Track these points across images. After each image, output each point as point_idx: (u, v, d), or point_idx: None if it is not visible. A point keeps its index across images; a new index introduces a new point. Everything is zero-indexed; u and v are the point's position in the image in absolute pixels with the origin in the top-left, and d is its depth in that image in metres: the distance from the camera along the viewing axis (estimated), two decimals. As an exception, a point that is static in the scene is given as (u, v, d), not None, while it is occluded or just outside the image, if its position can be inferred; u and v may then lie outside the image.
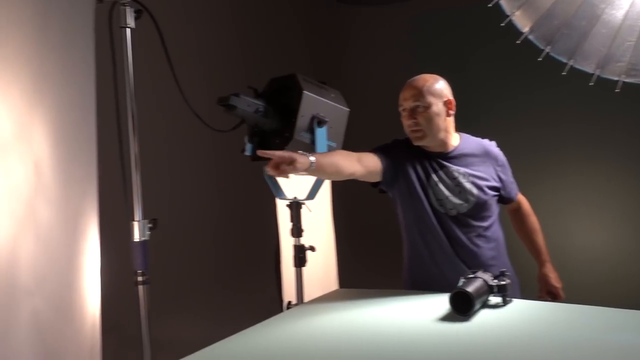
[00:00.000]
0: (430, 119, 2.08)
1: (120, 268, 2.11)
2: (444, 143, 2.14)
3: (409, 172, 2.10)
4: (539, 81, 3.32)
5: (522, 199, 2.33)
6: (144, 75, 2.13)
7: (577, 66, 2.25)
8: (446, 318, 1.67)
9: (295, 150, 2.02)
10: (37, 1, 1.87)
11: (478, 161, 2.16)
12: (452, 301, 1.67)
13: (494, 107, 3.66)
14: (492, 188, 2.14)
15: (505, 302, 1.76)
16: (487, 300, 1.75)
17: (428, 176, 2.10)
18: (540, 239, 2.32)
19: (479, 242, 2.09)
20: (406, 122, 2.12)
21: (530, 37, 2.32)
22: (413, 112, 2.09)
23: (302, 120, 2.05)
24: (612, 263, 3.47)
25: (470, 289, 1.66)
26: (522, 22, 2.34)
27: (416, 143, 2.13)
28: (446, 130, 2.13)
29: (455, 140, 2.17)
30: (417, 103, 2.08)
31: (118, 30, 2.03)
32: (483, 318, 1.67)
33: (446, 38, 3.85)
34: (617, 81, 2.15)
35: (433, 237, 2.08)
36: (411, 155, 2.13)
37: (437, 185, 2.09)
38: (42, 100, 1.87)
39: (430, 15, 3.91)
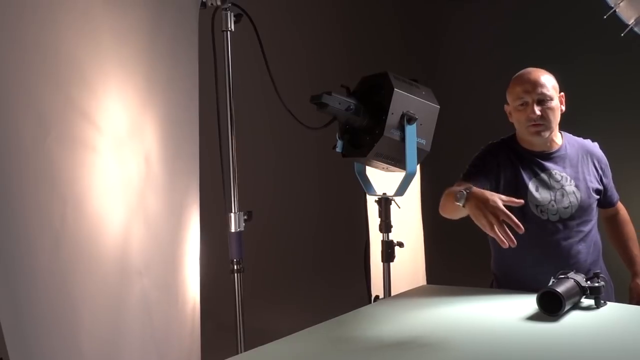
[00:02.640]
0: (553, 112, 2.00)
1: (218, 257, 2.25)
2: (551, 141, 2.06)
3: (506, 180, 2.03)
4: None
5: (620, 206, 2.22)
6: (243, 75, 2.26)
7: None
8: (533, 318, 1.64)
9: (385, 147, 2.06)
10: (149, 8, 2.05)
11: (581, 162, 2.07)
12: (540, 301, 1.64)
13: (594, 105, 3.48)
14: (595, 191, 2.06)
15: (598, 305, 1.70)
16: (578, 301, 1.70)
17: (529, 180, 2.02)
18: (636, 248, 2.20)
19: (580, 247, 2.01)
20: (526, 116, 2.00)
21: (636, 29, 2.21)
22: (538, 104, 1.98)
23: (392, 117, 2.08)
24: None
25: (561, 289, 1.62)
26: (627, 13, 2.24)
27: (535, 138, 2.03)
28: (557, 127, 2.06)
29: (559, 139, 2.09)
30: (542, 95, 1.99)
31: (219, 34, 2.16)
32: (573, 320, 1.63)
33: (544, 33, 3.72)
34: None
35: (531, 243, 1.96)
36: (509, 159, 2.06)
37: (537, 190, 2.00)
38: (152, 100, 2.05)
39: (527, 10, 3.79)
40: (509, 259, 2.07)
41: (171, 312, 2.06)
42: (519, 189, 2.00)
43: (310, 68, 3.39)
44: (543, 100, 1.99)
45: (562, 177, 2.03)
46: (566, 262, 1.94)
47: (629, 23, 2.20)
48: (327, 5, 3.66)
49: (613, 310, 1.71)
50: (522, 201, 1.73)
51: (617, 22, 2.18)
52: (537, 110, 1.98)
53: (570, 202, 2.00)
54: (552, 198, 2.00)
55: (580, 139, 2.15)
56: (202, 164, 2.25)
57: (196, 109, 2.23)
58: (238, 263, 2.14)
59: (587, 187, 2.04)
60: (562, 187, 2.01)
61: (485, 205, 1.61)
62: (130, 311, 1.90)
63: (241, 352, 2.07)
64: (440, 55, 4.18)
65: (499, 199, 1.62)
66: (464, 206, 1.69)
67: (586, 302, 1.73)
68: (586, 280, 1.71)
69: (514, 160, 2.06)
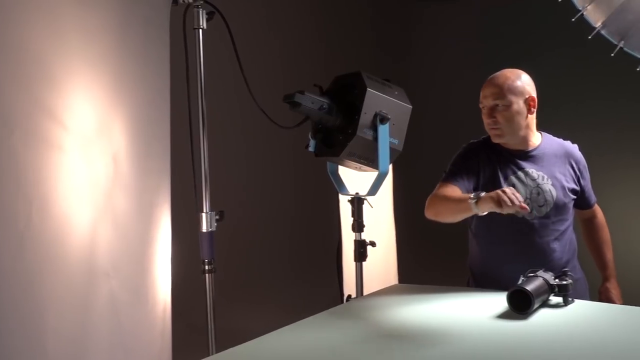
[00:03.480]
0: (509, 118, 2.03)
1: (190, 257, 2.23)
2: (525, 141, 2.09)
3: (485, 177, 2.07)
4: (610, 78, 3.20)
5: (597, 209, 2.25)
6: (215, 74, 2.24)
7: (653, 61, 2.17)
8: (503, 316, 1.66)
9: (357, 146, 2.06)
10: (118, 5, 2.01)
11: (559, 162, 2.10)
12: (510, 299, 1.66)
13: (562, 105, 3.54)
14: (571, 191, 2.09)
15: (566, 302, 1.73)
16: (547, 299, 1.73)
17: (505, 178, 2.06)
18: (609, 253, 2.24)
19: (555, 245, 2.04)
20: (485, 120, 2.08)
21: (603, 32, 2.25)
22: (492, 111, 2.04)
23: (365, 117, 2.09)
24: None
25: (530, 287, 1.65)
26: (595, 16, 2.27)
27: (495, 141, 2.09)
28: (527, 128, 2.07)
29: (537, 139, 2.12)
30: (497, 102, 2.03)
31: (191, 32, 2.14)
32: (541, 317, 1.66)
33: (513, 34, 3.77)
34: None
35: (507, 240, 2.05)
36: (488, 156, 2.09)
37: (514, 188, 2.02)
38: (121, 98, 2.01)
39: (498, 10, 3.84)
40: (486, 256, 2.11)
41: (141, 313, 2.03)
42: (496, 187, 2.01)
43: (283, 67, 3.37)
44: (497, 106, 2.03)
45: (538, 175, 2.06)
46: (541, 260, 1.96)
47: (596, 26, 2.24)
48: (301, 3, 3.66)
49: (580, 307, 1.74)
50: (528, 209, 1.78)
51: (585, 25, 2.22)
52: (491, 116, 2.04)
53: (545, 200, 2.03)
54: (528, 196, 2.03)
55: (560, 140, 2.17)
56: (173, 163, 2.22)
57: (167, 107, 2.20)
58: (209, 263, 2.13)
59: (563, 187, 2.06)
60: (538, 185, 2.04)
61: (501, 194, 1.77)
62: (97, 313, 1.87)
63: (212, 354, 2.05)
64: (412, 55, 4.20)
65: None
66: (477, 204, 1.83)
67: (554, 299, 1.76)
68: (554, 279, 1.74)
69: (493, 158, 2.09)
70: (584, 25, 2.19)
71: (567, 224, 2.09)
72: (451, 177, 2.08)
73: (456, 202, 1.95)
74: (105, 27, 1.97)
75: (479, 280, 2.15)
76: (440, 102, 4.00)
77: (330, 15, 3.83)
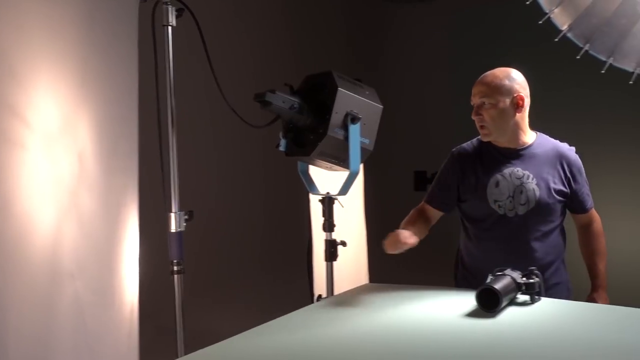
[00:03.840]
0: (495, 117, 2.03)
1: (158, 258, 2.19)
2: (515, 139, 2.09)
3: (470, 177, 2.10)
4: (576, 79, 3.27)
5: (595, 217, 2.19)
6: (185, 72, 2.21)
7: (616, 64, 2.21)
8: (472, 314, 1.68)
9: (328, 146, 2.06)
10: (84, 1, 1.97)
11: (549, 162, 2.08)
12: (479, 298, 1.68)
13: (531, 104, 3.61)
14: (558, 192, 2.07)
15: (533, 301, 1.76)
16: (514, 297, 1.75)
17: (491, 176, 2.07)
18: (602, 264, 2.17)
19: (536, 245, 2.04)
20: (473, 118, 2.09)
21: (569, 34, 2.30)
22: (479, 109, 2.05)
23: (336, 117, 2.08)
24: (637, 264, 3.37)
25: (498, 286, 1.67)
26: (561, 19, 2.31)
27: (483, 139, 2.11)
28: (516, 127, 2.07)
29: (529, 137, 2.11)
30: (483, 100, 2.04)
31: (160, 29, 2.10)
32: (509, 315, 1.68)
33: (483, 35, 3.82)
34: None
35: (490, 237, 2.07)
36: (477, 154, 2.12)
37: (497, 185, 2.06)
38: (87, 95, 1.97)
39: (468, 12, 3.89)
40: (474, 252, 2.14)
41: (107, 314, 1.99)
42: (480, 183, 2.07)
43: (254, 65, 3.35)
44: (484, 105, 2.05)
45: (524, 174, 2.06)
46: (520, 258, 1.95)
47: (563, 29, 2.28)
48: (272, 2, 3.64)
49: (546, 305, 1.77)
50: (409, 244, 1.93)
51: (552, 28, 2.26)
52: (478, 114, 2.06)
53: (528, 198, 2.03)
54: (510, 194, 2.04)
55: (555, 142, 2.15)
56: (142, 162, 2.18)
57: (135, 105, 2.16)
58: (178, 264, 2.10)
59: (549, 187, 2.05)
60: (522, 184, 2.05)
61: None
62: (62, 313, 1.82)
63: (181, 356, 2.03)
64: (383, 55, 4.23)
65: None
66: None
67: (522, 297, 1.78)
68: (522, 277, 1.76)
69: (481, 155, 2.12)
70: (553, 27, 2.23)
71: (553, 225, 2.08)
72: (428, 195, 2.22)
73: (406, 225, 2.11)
74: (71, 23, 1.92)
75: (465, 274, 2.18)
76: (412, 101, 4.03)
77: (301, 15, 3.82)
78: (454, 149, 2.21)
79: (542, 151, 2.10)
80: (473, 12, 3.85)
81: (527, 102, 2.07)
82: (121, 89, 2.12)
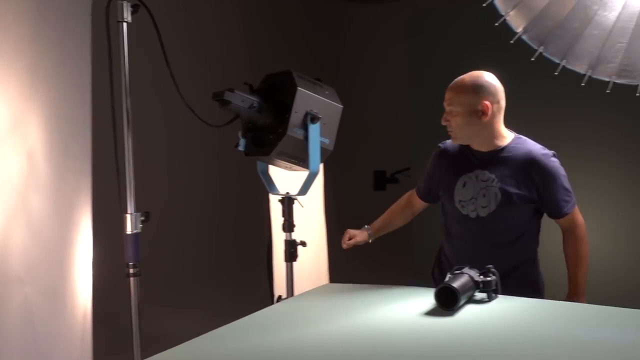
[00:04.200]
0: (460, 124, 2.06)
1: (113, 260, 2.13)
2: (486, 143, 2.10)
3: (444, 176, 2.18)
4: (531, 80, 3.34)
5: (577, 222, 2.14)
6: (141, 70, 2.16)
7: (569, 67, 2.27)
8: (431, 313, 1.69)
9: (288, 146, 2.05)
10: (34, -5, 1.90)
11: (517, 168, 2.07)
12: (438, 296, 1.70)
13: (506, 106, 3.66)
14: (521, 197, 2.05)
15: (490, 298, 1.79)
16: (472, 295, 1.78)
17: (459, 176, 2.12)
18: (581, 270, 2.14)
19: (499, 246, 2.07)
20: (443, 123, 2.13)
21: (524, 37, 2.34)
22: (447, 115, 2.09)
23: (296, 116, 2.07)
24: (610, 263, 3.46)
25: (456, 284, 1.69)
26: (516, 22, 2.35)
27: (453, 142, 2.17)
28: (485, 131, 2.07)
29: (503, 141, 2.10)
30: (450, 107, 2.08)
31: (115, 25, 2.05)
32: (467, 313, 1.70)
33: (441, 37, 3.86)
34: (608, 82, 2.17)
35: (456, 235, 2.14)
36: (456, 153, 2.17)
37: (463, 186, 2.10)
38: (37, 93, 1.90)
39: (427, 14, 3.93)
40: (446, 249, 2.23)
41: (58, 319, 1.92)
42: (452, 182, 2.14)
43: (212, 64, 3.31)
44: (450, 111, 2.08)
45: (489, 177, 2.08)
46: (483, 259, 1.88)
47: (518, 31, 2.33)
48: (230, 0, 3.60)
49: (503, 302, 1.80)
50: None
51: (507, 30, 2.30)
52: (445, 120, 2.10)
53: (489, 202, 2.06)
54: (474, 195, 2.08)
55: (532, 147, 2.10)
56: (96, 163, 2.12)
57: (88, 104, 2.10)
58: (134, 266, 2.04)
59: (511, 193, 2.04)
60: (486, 186, 2.08)
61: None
62: (10, 318, 1.74)
63: (137, 360, 1.98)
64: (343, 55, 4.24)
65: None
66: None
67: (480, 295, 1.81)
68: (479, 275, 1.79)
69: (460, 154, 2.16)
70: (509, 29, 2.27)
71: (520, 228, 2.09)
72: (420, 189, 2.34)
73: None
74: (19, 19, 1.85)
75: (437, 275, 2.23)
76: (372, 101, 4.05)
77: (259, 13, 3.79)
78: (440, 143, 2.26)
79: (512, 155, 2.08)
80: (434, 12, 3.89)
81: (499, 106, 2.07)
82: (73, 87, 2.05)
